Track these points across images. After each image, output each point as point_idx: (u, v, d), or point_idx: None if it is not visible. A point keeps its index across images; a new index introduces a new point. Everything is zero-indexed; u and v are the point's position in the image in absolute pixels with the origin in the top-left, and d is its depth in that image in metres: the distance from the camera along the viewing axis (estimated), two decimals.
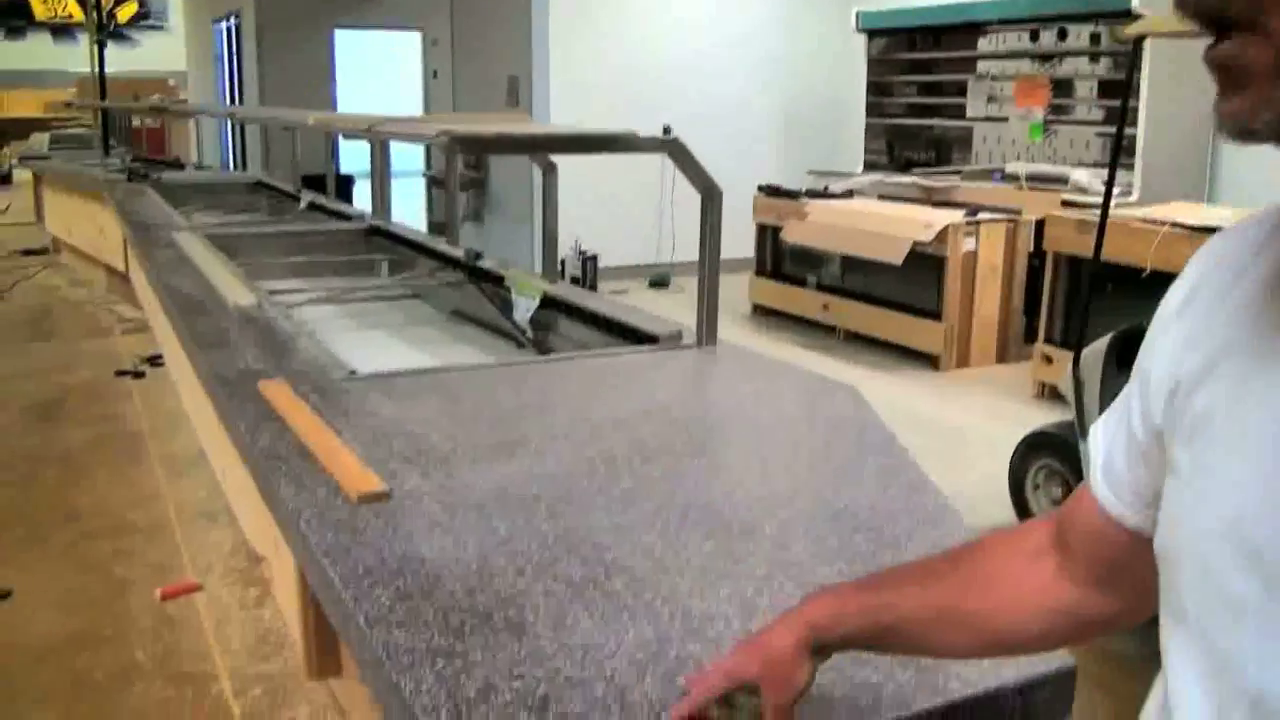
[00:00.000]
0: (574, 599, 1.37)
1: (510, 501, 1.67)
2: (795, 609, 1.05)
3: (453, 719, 1.11)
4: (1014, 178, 7.00)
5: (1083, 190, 6.37)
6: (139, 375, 5.79)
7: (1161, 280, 0.82)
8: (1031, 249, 6.32)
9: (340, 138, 6.00)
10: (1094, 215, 5.39)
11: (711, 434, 2.09)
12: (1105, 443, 0.87)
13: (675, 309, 2.83)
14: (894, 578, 1.04)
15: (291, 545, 1.76)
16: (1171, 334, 0.79)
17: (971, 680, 1.21)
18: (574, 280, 7.78)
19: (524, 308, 3.18)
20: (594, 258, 8.27)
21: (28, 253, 9.35)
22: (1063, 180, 6.65)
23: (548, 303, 3.13)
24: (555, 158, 3.39)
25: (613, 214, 8.45)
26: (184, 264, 3.63)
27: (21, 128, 14.98)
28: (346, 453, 1.82)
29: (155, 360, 5.90)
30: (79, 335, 6.72)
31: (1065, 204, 6.15)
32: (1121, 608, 0.92)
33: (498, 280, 3.42)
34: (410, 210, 9.58)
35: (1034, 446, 4.01)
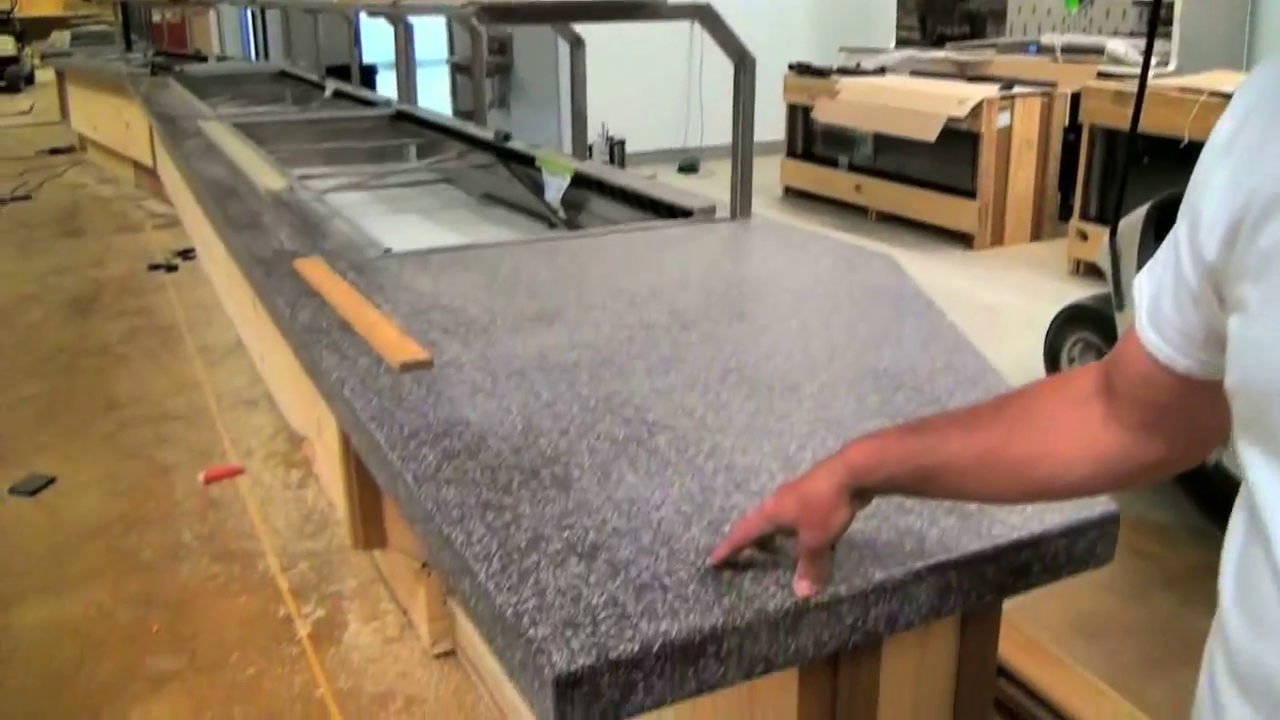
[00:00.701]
0: (618, 456, 1.38)
1: (551, 368, 1.68)
2: (836, 453, 1.06)
3: (505, 566, 1.13)
4: (1049, 50, 6.84)
5: (1119, 61, 6.22)
6: (171, 269, 5.82)
7: (1200, 150, 0.80)
8: (1067, 123, 6.20)
9: (362, 28, 5.92)
10: (1131, 86, 5.27)
11: (749, 301, 2.09)
12: (1151, 289, 0.85)
13: (706, 192, 2.80)
14: (938, 422, 1.04)
15: (336, 415, 1.78)
16: (1223, 169, 0.76)
17: (1016, 525, 1.22)
18: None
19: (555, 187, 3.16)
20: (621, 143, 8.18)
21: (54, 151, 9.34)
22: (1099, 51, 6.49)
23: (579, 182, 3.11)
24: (582, 35, 3.33)
25: (640, 98, 8.33)
26: (213, 152, 3.62)
27: (42, 27, 14.83)
28: (386, 324, 1.83)
29: (187, 254, 5.92)
30: (109, 231, 6.74)
31: (1101, 75, 6.01)
32: (1169, 453, 0.92)
33: (528, 162, 3.39)
34: (435, 99, 9.48)
35: (1070, 320, 3.99)
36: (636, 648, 1.00)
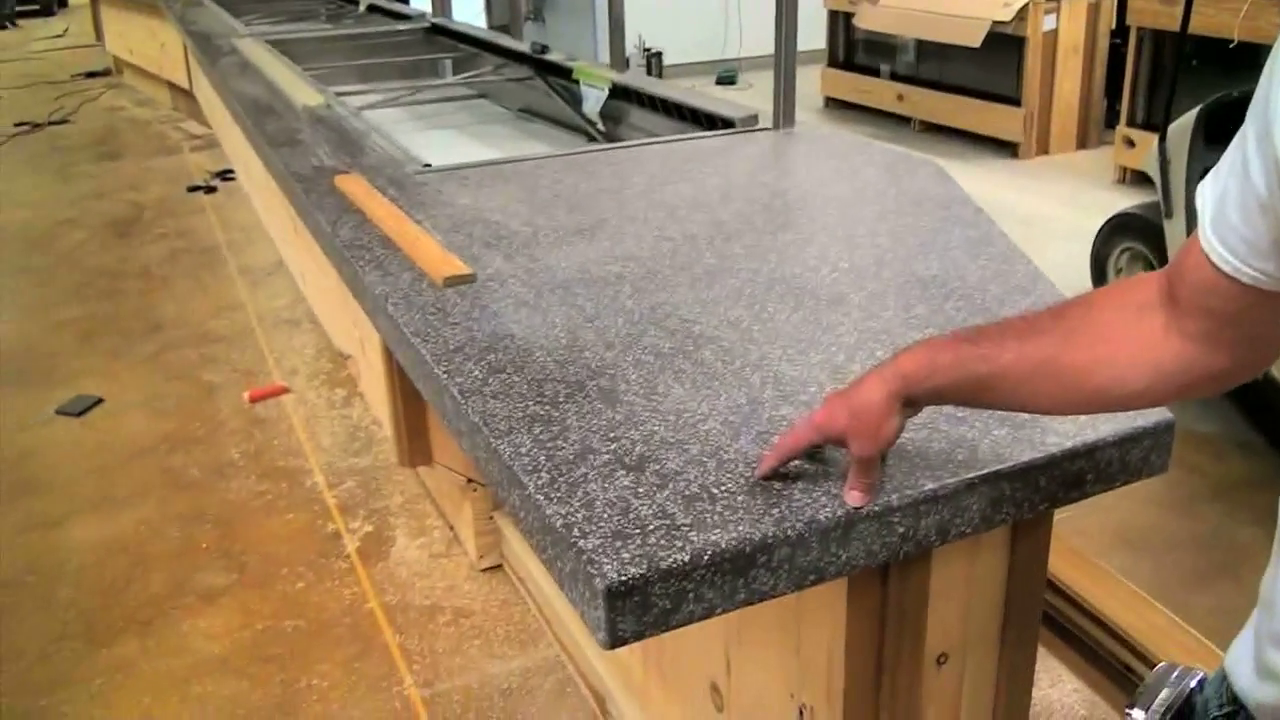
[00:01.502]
0: (664, 369, 1.37)
1: (594, 281, 1.67)
2: (888, 361, 1.04)
3: (553, 478, 1.13)
4: None
5: None
6: (210, 190, 5.82)
7: (1249, 51, 0.76)
8: (1114, 26, 6.04)
9: None
10: None
11: (793, 211, 2.06)
12: (1215, 197, 0.82)
13: (746, 103, 2.75)
14: (992, 330, 1.02)
15: (380, 331, 1.78)
16: None
17: (1069, 434, 1.20)
18: None
19: (594, 99, 3.11)
20: (659, 54, 8.07)
21: (90, 75, 9.33)
22: None
23: (617, 94, 3.07)
24: None
25: (677, 8, 8.19)
26: (249, 70, 3.59)
27: None
28: (428, 239, 1.81)
29: (225, 175, 5.92)
30: (147, 154, 6.75)
31: None
32: (1230, 364, 0.89)
33: (565, 74, 3.34)
34: (469, 12, 9.35)
35: (1117, 229, 3.91)
36: (687, 558, 1.00)
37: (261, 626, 2.43)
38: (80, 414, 3.43)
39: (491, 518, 2.51)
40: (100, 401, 3.51)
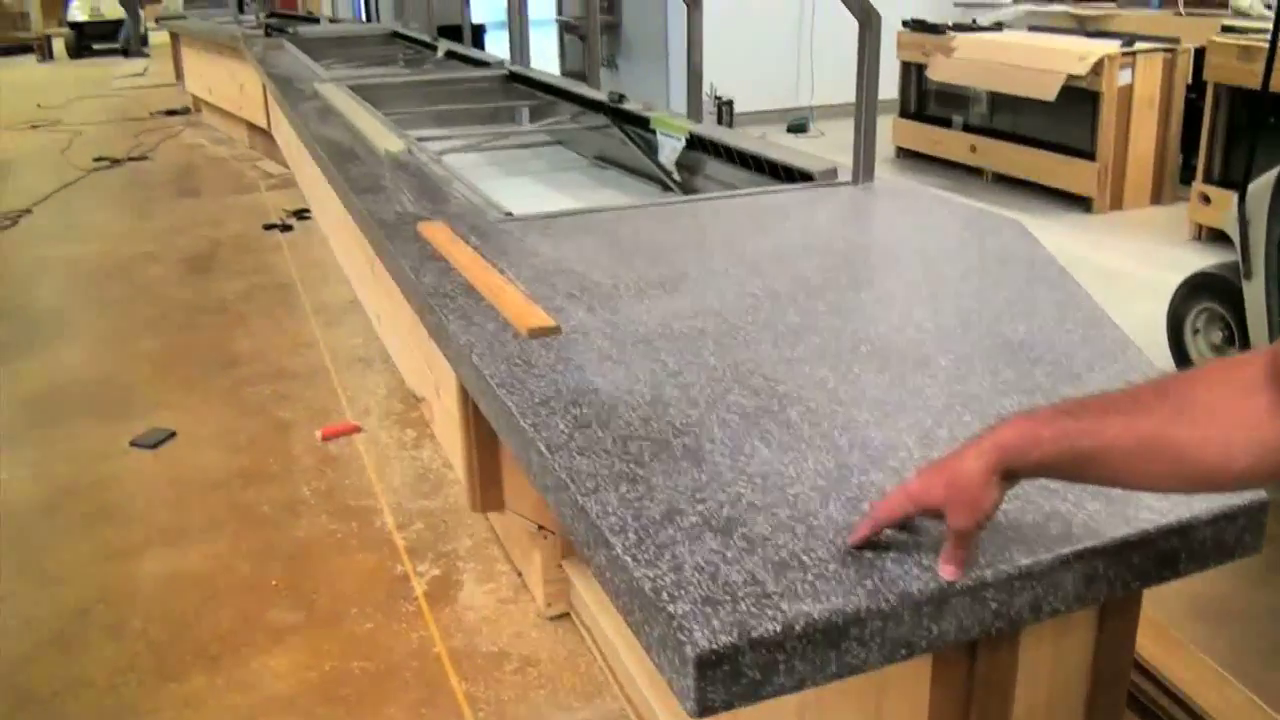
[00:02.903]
0: (749, 429, 1.36)
1: (676, 336, 1.67)
2: (986, 432, 1.03)
3: (641, 539, 1.13)
4: (1172, 2, 6.60)
5: (1245, 14, 5.98)
6: (287, 228, 5.92)
7: None
8: (1190, 81, 5.98)
9: None
10: (1258, 41, 5.06)
11: (876, 268, 2.05)
12: None
13: (817, 153, 2.74)
14: (1094, 404, 1.00)
15: (464, 380, 1.79)
16: None
17: (1163, 511, 1.17)
18: None
19: (670, 148, 3.13)
20: (730, 102, 8.10)
21: (170, 113, 9.56)
22: (1223, 4, 6.25)
23: (693, 144, 3.08)
24: None
25: (748, 58, 8.22)
26: (330, 114, 3.66)
27: None
28: (511, 289, 1.83)
29: (301, 214, 6.02)
30: (225, 191, 6.88)
31: (1225, 29, 5.78)
32: None
33: (641, 123, 3.37)
34: (543, 58, 9.49)
35: (1195, 289, 3.86)
36: (778, 628, 0.99)
37: (329, 667, 2.44)
38: (154, 446, 3.48)
39: (560, 566, 2.50)
40: (174, 435, 3.56)
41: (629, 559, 1.09)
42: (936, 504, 1.04)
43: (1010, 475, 1.02)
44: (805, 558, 1.09)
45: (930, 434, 1.34)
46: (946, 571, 1.05)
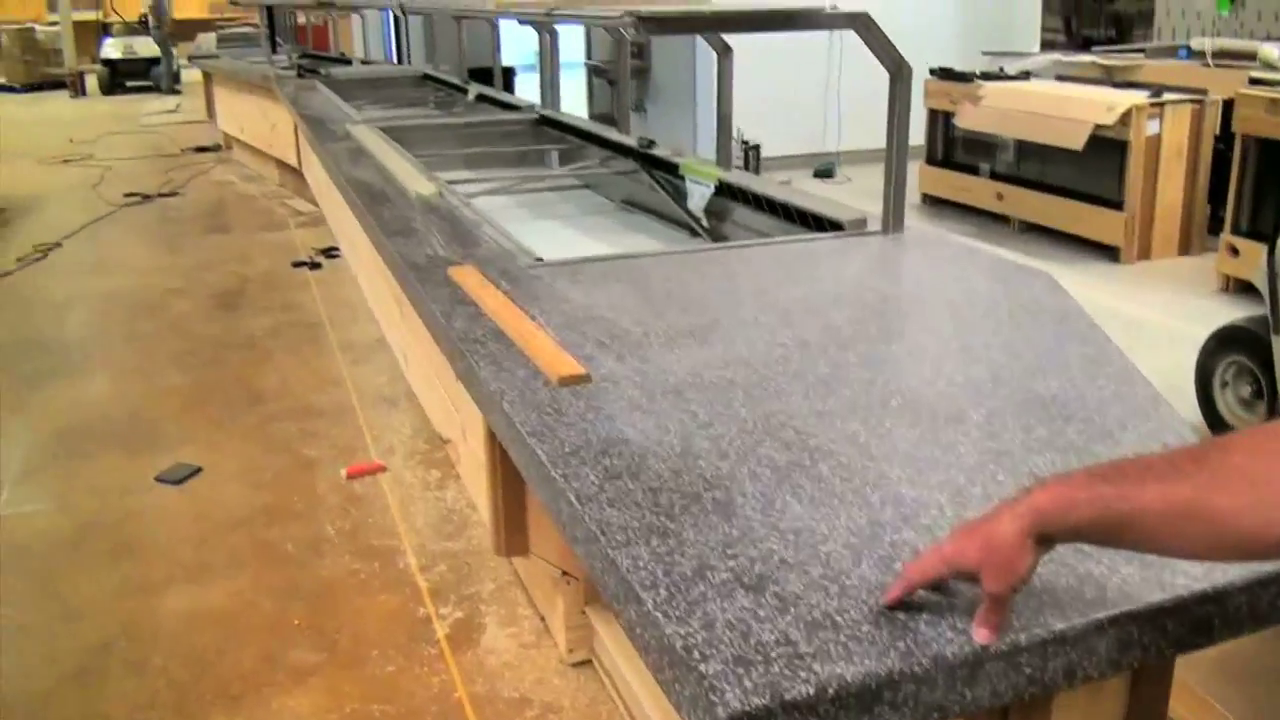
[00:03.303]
0: (781, 483, 1.36)
1: (706, 386, 1.67)
2: (1021, 495, 1.02)
3: (672, 595, 1.12)
4: (1200, 54, 6.60)
5: (1273, 67, 5.97)
6: (315, 266, 5.96)
7: None
8: (1218, 132, 5.97)
9: (501, 29, 5.99)
10: None
11: (907, 320, 2.05)
12: None
13: (844, 199, 2.75)
14: (1132, 468, 1.00)
15: (493, 425, 1.79)
16: None
17: (1197, 576, 1.16)
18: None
19: (699, 195, 3.14)
20: (757, 147, 8.13)
21: (200, 150, 9.66)
22: (1251, 56, 6.24)
23: (721, 190, 3.09)
24: (730, 43, 3.31)
25: (775, 103, 8.25)
26: (361, 155, 3.70)
27: (188, 29, 15.41)
28: (542, 336, 1.83)
29: (330, 252, 6.06)
30: (254, 228, 6.94)
31: (1254, 81, 5.77)
32: None
33: (670, 168, 3.39)
34: (571, 101, 9.58)
35: (1224, 342, 3.83)
36: (811, 690, 0.98)
37: (350, 709, 2.43)
38: (179, 482, 3.49)
39: (584, 612, 2.49)
40: (199, 470, 3.57)
41: (660, 615, 1.09)
42: (971, 567, 1.03)
43: (1045, 539, 1.01)
44: (838, 618, 1.08)
45: (963, 491, 1.33)
46: (980, 635, 1.04)
